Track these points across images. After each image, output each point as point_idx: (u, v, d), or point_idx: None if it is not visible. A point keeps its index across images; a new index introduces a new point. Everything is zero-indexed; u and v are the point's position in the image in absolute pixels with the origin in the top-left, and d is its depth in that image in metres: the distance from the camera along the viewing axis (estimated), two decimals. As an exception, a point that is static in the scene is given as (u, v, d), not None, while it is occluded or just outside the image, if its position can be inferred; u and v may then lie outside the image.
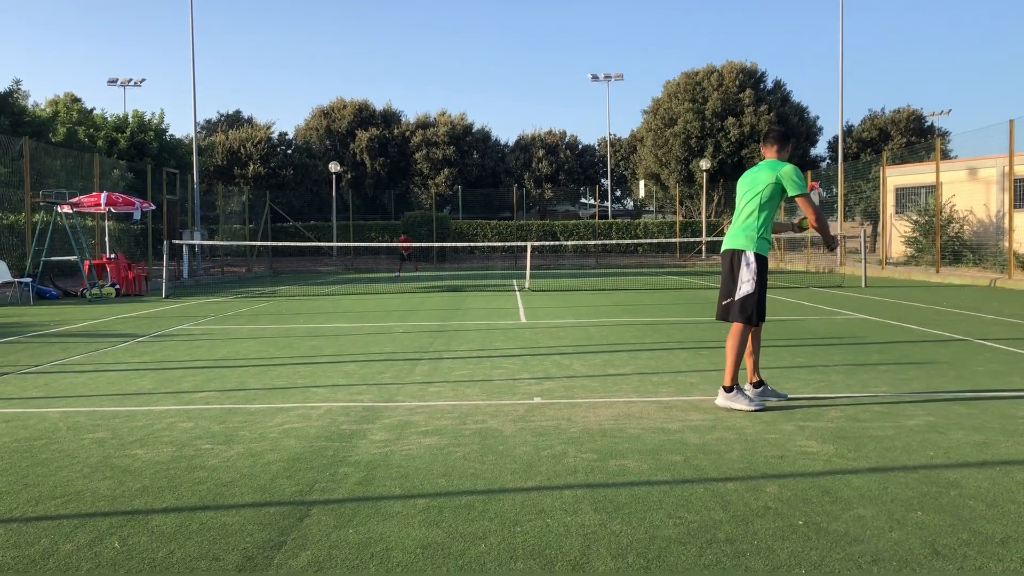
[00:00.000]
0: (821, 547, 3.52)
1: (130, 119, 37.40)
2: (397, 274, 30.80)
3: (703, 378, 7.67)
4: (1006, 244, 22.29)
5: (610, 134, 62.86)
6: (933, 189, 26.50)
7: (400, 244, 30.66)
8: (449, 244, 32.48)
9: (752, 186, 6.47)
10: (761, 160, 6.74)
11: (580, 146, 64.05)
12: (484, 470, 4.73)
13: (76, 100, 39.27)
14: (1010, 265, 21.22)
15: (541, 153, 60.47)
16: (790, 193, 6.34)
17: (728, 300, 6.41)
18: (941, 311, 13.97)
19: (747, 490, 4.31)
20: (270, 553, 3.52)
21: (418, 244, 28.28)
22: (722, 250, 6.66)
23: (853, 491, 4.27)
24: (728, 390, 6.31)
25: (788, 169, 6.35)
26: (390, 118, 59.10)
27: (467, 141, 57.36)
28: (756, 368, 6.66)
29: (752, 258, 6.35)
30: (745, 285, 6.31)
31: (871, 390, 7.00)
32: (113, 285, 20.44)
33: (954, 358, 8.75)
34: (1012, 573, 3.24)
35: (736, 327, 6.39)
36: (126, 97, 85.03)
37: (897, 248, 30.12)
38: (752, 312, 6.34)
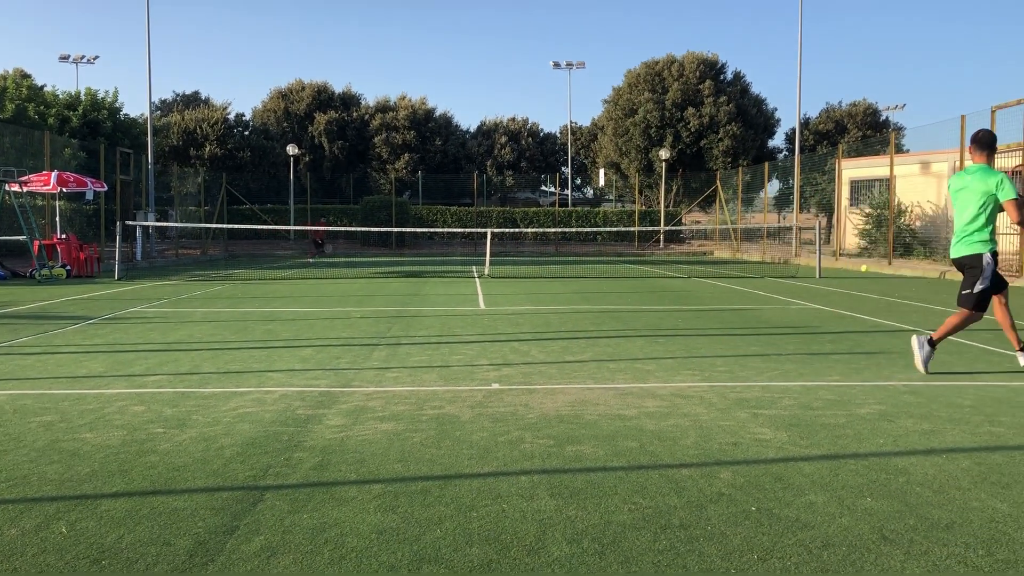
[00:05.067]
0: (773, 533, 3.57)
1: (83, 97, 36.52)
2: (311, 260, 30.81)
3: (659, 365, 7.73)
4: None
5: (571, 122, 62.92)
6: (887, 182, 26.92)
7: (317, 228, 31.12)
8: (408, 229, 32.32)
9: (972, 195, 7.27)
10: (969, 164, 7.47)
11: (542, 134, 64.01)
12: (441, 455, 4.72)
13: (26, 76, 38.26)
14: (959, 258, 21.65)
15: (503, 140, 60.31)
16: (1002, 199, 7.17)
17: (967, 291, 7.36)
18: (892, 302, 14.23)
19: (701, 476, 4.35)
20: (222, 538, 3.48)
21: (330, 228, 29.39)
22: (957, 256, 7.44)
23: (805, 478, 4.33)
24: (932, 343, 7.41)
25: (1002, 177, 7.18)
26: (349, 101, 58.48)
27: (428, 127, 56.99)
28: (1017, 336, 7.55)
29: (990, 258, 7.28)
30: (982, 282, 7.24)
31: (824, 379, 7.10)
32: (64, 266, 20.02)
33: (904, 348, 8.91)
34: (956, 557, 3.32)
35: (964, 312, 7.34)
36: (78, 74, 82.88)
37: (851, 240, 30.59)
38: (984, 302, 7.32)
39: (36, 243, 20.16)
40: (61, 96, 36.41)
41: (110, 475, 4.34)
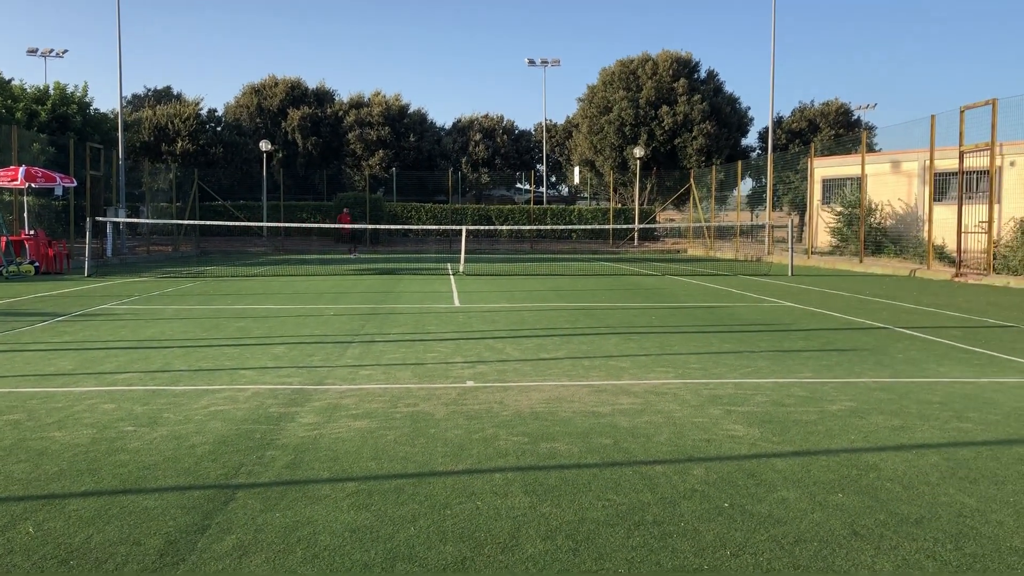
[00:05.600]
0: (746, 529, 3.59)
1: (51, 91, 36.02)
2: (354, 255, 30.65)
3: (633, 362, 7.76)
4: (925, 236, 23.04)
5: (546, 120, 63.00)
6: (859, 181, 27.19)
7: (343, 225, 30.56)
8: (383, 227, 32.21)
9: None
10: None
11: (517, 131, 63.94)
12: (415, 453, 4.71)
13: (-7, 70, 37.70)
14: (929, 256, 21.95)
15: (478, 137, 60.22)
16: None
17: None
18: (863, 300, 14.38)
19: (675, 473, 4.37)
20: (194, 537, 3.45)
21: (352, 225, 28.57)
22: None
23: (777, 474, 4.36)
24: None
25: None
26: (323, 97, 58.07)
27: (403, 123, 56.75)
28: None
29: None
30: None
31: (796, 376, 7.16)
32: (32, 263, 19.75)
33: (875, 345, 9.02)
34: (925, 552, 3.36)
35: None
36: (47, 68, 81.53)
37: (823, 238, 30.88)
38: None
39: (3, 239, 19.86)
40: (29, 90, 35.87)
41: (79, 474, 4.29)
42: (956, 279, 19.31)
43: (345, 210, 35.23)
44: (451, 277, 19.94)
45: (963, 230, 19.90)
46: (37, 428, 5.20)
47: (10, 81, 36.17)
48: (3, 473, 4.30)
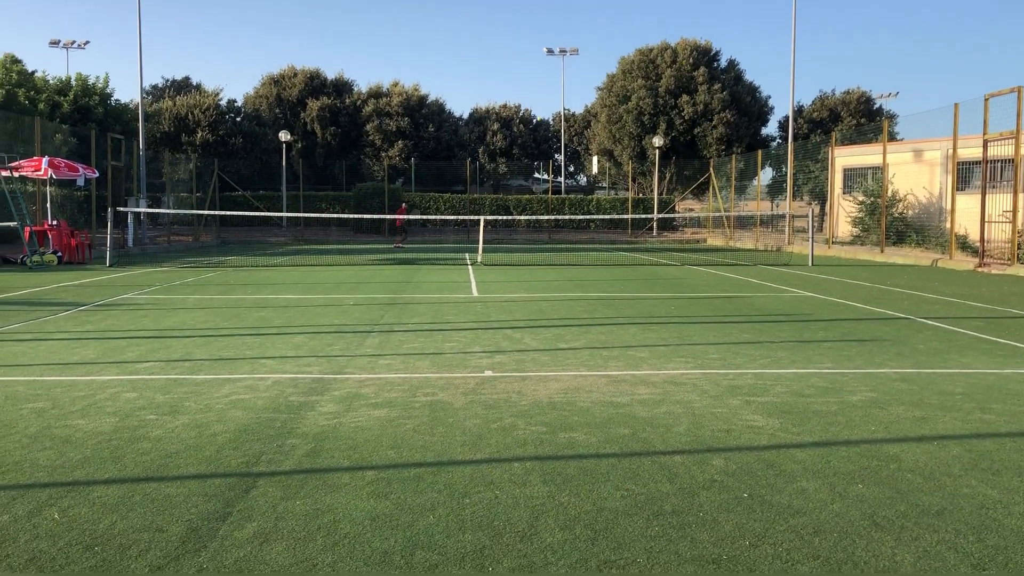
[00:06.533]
0: (765, 519, 3.58)
1: (73, 82, 36.30)
2: (397, 246, 30.83)
3: (652, 353, 7.74)
4: (948, 225, 22.81)
5: (564, 109, 62.72)
6: (880, 170, 26.95)
7: (399, 215, 30.71)
8: (402, 216, 32.24)
9: None
10: None
11: (534, 120, 63.77)
12: (434, 442, 4.73)
13: (16, 61, 38.02)
14: (951, 246, 21.74)
15: (496, 127, 60.12)
16: None
17: None
18: (885, 290, 14.27)
19: (694, 463, 4.37)
20: (215, 524, 3.48)
21: (406, 216, 29.24)
22: None
23: (797, 464, 4.35)
24: None
25: None
26: (342, 87, 58.14)
27: (422, 113, 56.75)
28: None
29: None
30: None
31: (816, 366, 7.12)
32: (55, 252, 19.94)
33: (896, 336, 8.95)
34: (947, 543, 3.34)
35: None
36: (69, 60, 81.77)
37: (844, 228, 30.65)
38: None
39: (27, 229, 20.07)
40: (52, 81, 36.18)
41: (102, 462, 4.34)
42: (979, 269, 19.12)
43: (404, 204, 35.60)
44: (469, 267, 19.96)
45: (987, 219, 19.68)
46: (61, 416, 5.26)
47: (33, 73, 36.49)
48: (29, 460, 4.35)
